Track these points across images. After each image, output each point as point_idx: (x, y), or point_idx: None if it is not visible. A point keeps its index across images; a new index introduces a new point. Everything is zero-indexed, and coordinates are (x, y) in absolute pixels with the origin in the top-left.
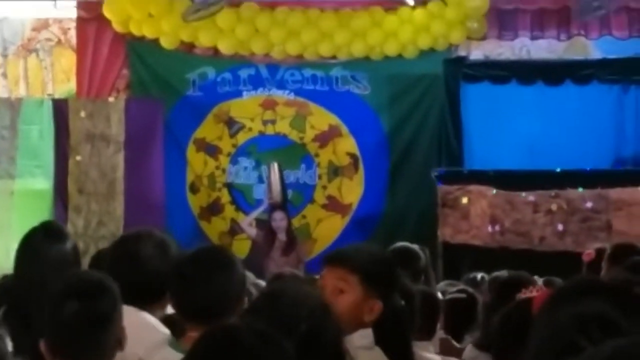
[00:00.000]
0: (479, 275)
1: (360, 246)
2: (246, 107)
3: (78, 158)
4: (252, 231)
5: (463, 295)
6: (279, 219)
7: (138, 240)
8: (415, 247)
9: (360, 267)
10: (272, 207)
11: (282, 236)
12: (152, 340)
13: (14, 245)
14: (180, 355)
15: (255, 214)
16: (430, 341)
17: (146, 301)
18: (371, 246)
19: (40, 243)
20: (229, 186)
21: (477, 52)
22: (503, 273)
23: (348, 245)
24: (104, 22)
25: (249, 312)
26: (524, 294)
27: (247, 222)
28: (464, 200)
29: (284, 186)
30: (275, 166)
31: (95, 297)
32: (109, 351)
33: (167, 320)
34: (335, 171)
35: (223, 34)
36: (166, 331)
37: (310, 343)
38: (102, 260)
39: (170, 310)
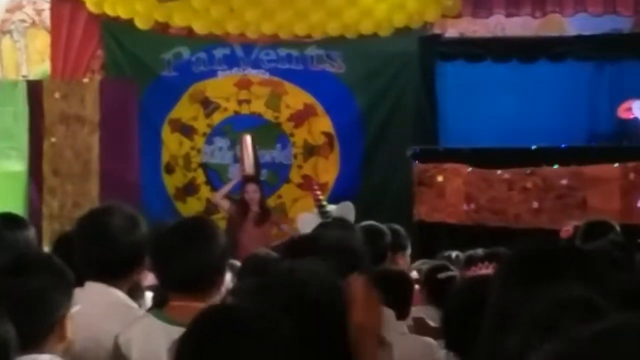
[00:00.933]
0: (454, 254)
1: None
2: (221, 86)
3: (53, 139)
4: (225, 204)
5: (454, 273)
6: (251, 191)
7: (106, 214)
8: (381, 226)
9: None
10: (245, 180)
11: (255, 208)
12: (127, 315)
13: None
14: (164, 324)
15: (228, 187)
16: (405, 321)
17: (116, 276)
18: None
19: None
20: (205, 166)
21: (452, 30)
22: (478, 251)
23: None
24: (78, 3)
25: (262, 289)
26: (474, 271)
27: (220, 196)
28: (440, 178)
29: (256, 158)
30: (247, 139)
31: (28, 274)
32: (41, 335)
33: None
34: (310, 150)
35: (198, 13)
36: (135, 305)
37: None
38: (64, 241)
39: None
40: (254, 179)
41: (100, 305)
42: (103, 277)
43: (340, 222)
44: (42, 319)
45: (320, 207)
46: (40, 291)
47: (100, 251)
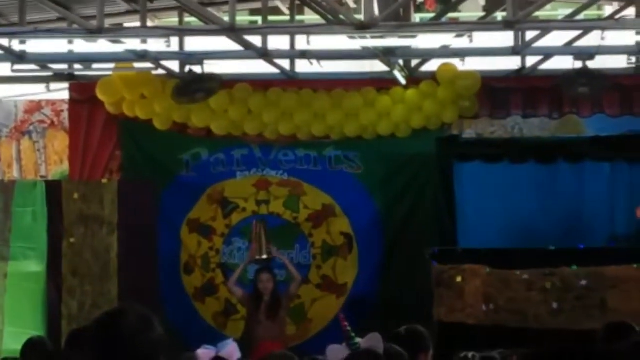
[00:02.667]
0: (470, 354)
1: None
2: (240, 187)
3: (72, 240)
4: (238, 292)
5: None
6: (265, 280)
7: (120, 315)
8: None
9: None
10: (258, 265)
11: (267, 298)
12: None
13: (7, 329)
14: None
15: (239, 271)
16: None
17: None
18: None
19: None
20: (223, 266)
21: (469, 131)
22: (493, 353)
23: None
24: (97, 104)
25: None
26: None
27: (233, 282)
28: (458, 279)
29: (268, 242)
30: (259, 223)
31: None
32: None
33: None
34: (329, 251)
35: (216, 114)
36: None
37: None
38: (78, 338)
39: None
40: (266, 265)
41: None
42: None
43: (369, 352)
44: None
45: (349, 340)
46: None
47: (114, 354)
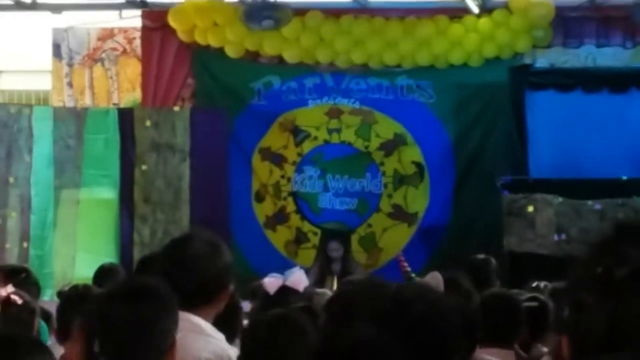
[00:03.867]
0: (542, 284)
1: None
2: (311, 115)
3: (144, 167)
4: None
5: (535, 303)
6: (334, 249)
7: (187, 242)
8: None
9: None
10: (327, 237)
11: (336, 267)
12: (207, 346)
13: (79, 255)
14: None
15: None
16: (512, 349)
17: (198, 304)
18: None
19: None
20: (295, 195)
21: (542, 60)
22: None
23: None
24: (169, 32)
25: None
26: None
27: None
28: (530, 208)
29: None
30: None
31: (138, 300)
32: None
33: None
34: (400, 180)
35: (288, 43)
36: (220, 336)
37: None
38: (147, 265)
39: None
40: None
41: (185, 334)
42: (186, 305)
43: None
44: (156, 346)
45: (409, 280)
46: (154, 318)
47: (181, 279)
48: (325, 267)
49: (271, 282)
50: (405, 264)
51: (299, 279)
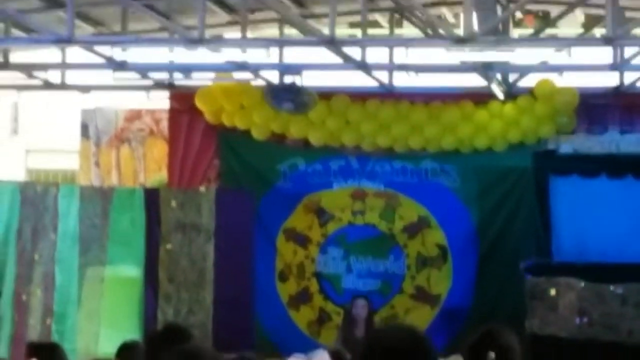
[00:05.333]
0: None
1: None
2: (336, 197)
3: (169, 246)
4: None
5: None
6: (360, 306)
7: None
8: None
9: None
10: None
11: (359, 331)
12: None
13: (103, 331)
14: None
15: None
16: None
17: None
18: None
19: None
20: (318, 275)
21: (566, 146)
22: None
23: None
24: (196, 113)
25: None
26: None
27: None
28: (552, 292)
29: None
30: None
31: None
32: None
33: None
34: (423, 262)
35: (314, 125)
36: None
37: None
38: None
39: None
40: (363, 293)
41: None
42: None
43: None
44: None
45: None
46: None
47: None
48: (349, 331)
49: None
50: None
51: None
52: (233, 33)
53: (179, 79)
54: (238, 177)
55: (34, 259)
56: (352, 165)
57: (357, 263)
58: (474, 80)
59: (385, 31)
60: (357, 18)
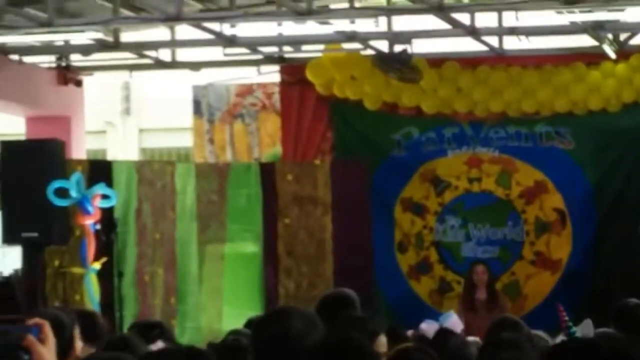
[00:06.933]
0: None
1: None
2: (451, 165)
3: (286, 221)
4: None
5: None
6: (480, 272)
7: (285, 318)
8: None
9: None
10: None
11: (482, 292)
12: None
13: (225, 309)
14: None
15: None
16: None
17: None
18: None
19: None
20: (437, 244)
21: None
22: None
23: None
24: (307, 85)
25: None
26: None
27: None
28: None
29: None
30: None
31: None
32: None
33: None
34: (542, 227)
35: (426, 93)
36: None
37: None
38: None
39: None
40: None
41: None
42: None
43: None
44: None
45: (567, 330)
46: None
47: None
48: (471, 298)
49: (428, 328)
50: (564, 313)
51: (455, 322)
52: (341, 4)
53: (288, 52)
54: (352, 148)
55: (154, 238)
56: (465, 132)
57: (475, 231)
58: (585, 41)
59: None
60: None
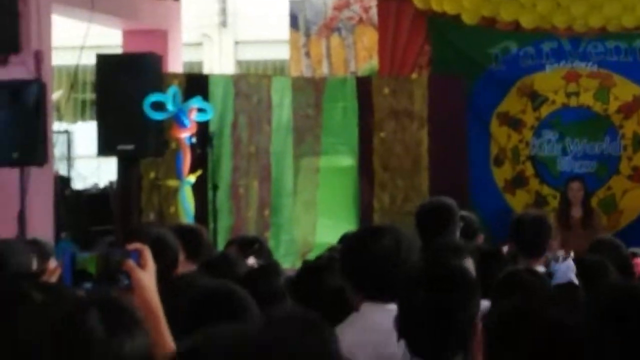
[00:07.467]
0: None
1: None
2: (549, 80)
3: (382, 135)
4: None
5: None
6: (575, 189)
7: (376, 236)
8: None
9: None
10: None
11: (577, 210)
12: None
13: (320, 221)
14: None
15: None
16: None
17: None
18: None
19: None
20: (533, 159)
21: None
22: None
23: None
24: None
25: None
26: None
27: None
28: None
29: None
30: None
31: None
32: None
33: None
34: None
35: (524, 8)
36: None
37: None
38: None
39: None
40: (577, 174)
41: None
42: (378, 297)
43: None
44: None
45: None
46: (460, 306)
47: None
48: (566, 214)
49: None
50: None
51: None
52: None
53: None
54: (449, 63)
55: (249, 151)
56: (564, 47)
57: (572, 145)
58: None
59: None
60: None
